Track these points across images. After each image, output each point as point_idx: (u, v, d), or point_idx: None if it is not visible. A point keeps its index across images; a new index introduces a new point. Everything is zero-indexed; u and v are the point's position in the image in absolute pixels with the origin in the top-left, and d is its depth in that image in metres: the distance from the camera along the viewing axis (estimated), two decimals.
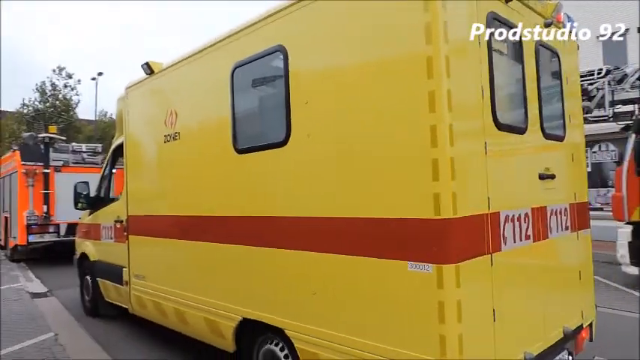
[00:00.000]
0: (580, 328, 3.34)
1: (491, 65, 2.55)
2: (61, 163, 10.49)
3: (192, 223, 4.02)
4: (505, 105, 2.79)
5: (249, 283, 3.36)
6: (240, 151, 3.47)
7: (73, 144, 11.33)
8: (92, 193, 6.07)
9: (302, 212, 2.91)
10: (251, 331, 3.37)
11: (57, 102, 37.05)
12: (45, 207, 10.15)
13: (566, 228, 3.31)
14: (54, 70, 37.81)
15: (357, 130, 2.58)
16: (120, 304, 5.35)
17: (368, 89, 2.53)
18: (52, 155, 10.43)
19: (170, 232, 4.30)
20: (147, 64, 4.58)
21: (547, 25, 3.21)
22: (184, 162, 4.17)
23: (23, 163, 10.25)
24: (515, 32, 2.84)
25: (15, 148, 11.07)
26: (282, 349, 3.12)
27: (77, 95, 38.84)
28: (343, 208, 2.63)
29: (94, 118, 37.73)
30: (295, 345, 2.98)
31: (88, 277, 6.12)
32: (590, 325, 3.53)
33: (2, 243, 11.84)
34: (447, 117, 2.18)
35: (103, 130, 43.66)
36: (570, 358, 3.11)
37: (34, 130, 32.22)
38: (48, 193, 10.17)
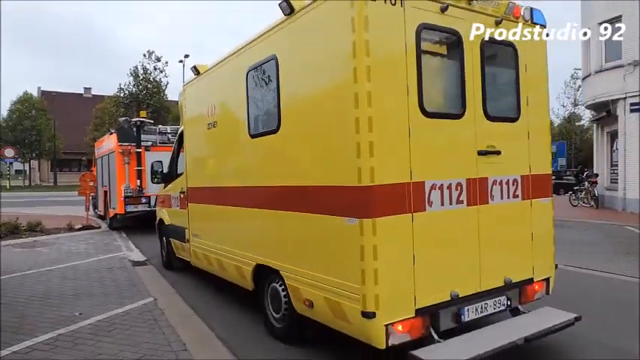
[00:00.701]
0: (529, 281, 3.98)
1: (420, 67, 3.27)
2: (150, 143, 12.41)
3: (222, 192, 5.24)
4: (435, 97, 3.50)
5: (259, 237, 4.46)
6: (252, 136, 4.54)
7: (160, 126, 13.17)
8: (165, 170, 7.68)
9: (286, 182, 3.93)
10: (262, 274, 4.50)
11: (148, 85, 41.06)
12: (138, 181, 12.17)
13: (516, 196, 3.93)
14: (144, 55, 41.86)
15: (316, 122, 3.49)
16: (185, 259, 6.85)
17: (321, 91, 3.43)
18: (143, 137, 12.36)
19: (211, 199, 5.58)
20: (194, 67, 5.83)
21: (497, 24, 3.79)
22: (218, 144, 5.38)
23: (120, 144, 12.23)
24: (449, 37, 3.51)
25: (112, 130, 13.22)
26: (280, 286, 4.21)
27: (166, 77, 42.76)
28: (310, 179, 3.59)
29: None
30: (286, 282, 4.04)
31: (164, 238, 7.75)
32: (547, 280, 4.15)
33: (102, 213, 14.16)
34: (367, 111, 3.00)
35: None
36: (509, 302, 3.80)
37: (129, 112, 36.09)
38: (140, 169, 12.14)
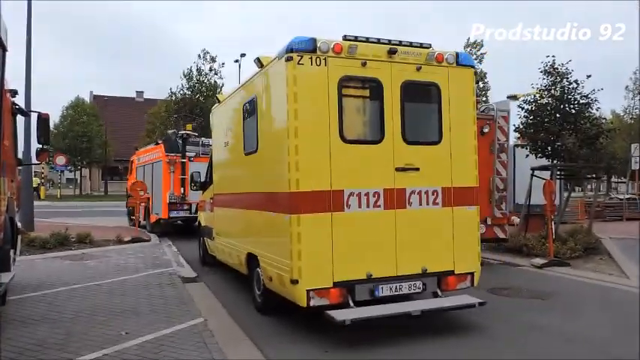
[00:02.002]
0: (450, 272, 6.15)
1: (340, 107, 5.68)
2: (194, 154, 15.90)
3: (228, 197, 8.03)
4: (356, 128, 5.91)
5: (248, 231, 7.13)
6: (245, 154, 7.23)
7: (203, 139, 16.64)
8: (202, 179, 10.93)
9: (260, 189, 6.55)
10: (251, 261, 7.12)
11: (202, 88, 45.72)
12: (182, 189, 15.69)
13: (436, 203, 6.14)
14: (199, 55, 46.12)
15: (273, 146, 6.06)
16: (212, 254, 9.84)
17: (275, 124, 6.00)
18: (187, 148, 15.87)
19: (224, 204, 8.44)
20: (216, 96, 8.81)
21: (418, 69, 6.09)
22: (229, 159, 8.22)
23: (167, 154, 15.84)
24: (371, 83, 5.89)
25: (159, 141, 16.97)
26: (259, 268, 6.79)
27: (221, 79, 46.85)
28: (270, 187, 6.15)
29: None
30: (260, 265, 6.62)
31: (201, 238, 10.96)
32: (472, 274, 6.27)
33: (141, 219, 17.56)
34: (294, 140, 5.48)
35: None
36: (424, 286, 5.99)
37: (180, 118, 40.48)
38: (184, 178, 15.60)
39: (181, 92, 44.61)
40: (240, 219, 7.68)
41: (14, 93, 7.46)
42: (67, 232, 13.39)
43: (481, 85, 36.03)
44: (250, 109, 7.07)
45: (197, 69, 44.49)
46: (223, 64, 48.57)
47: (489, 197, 10.57)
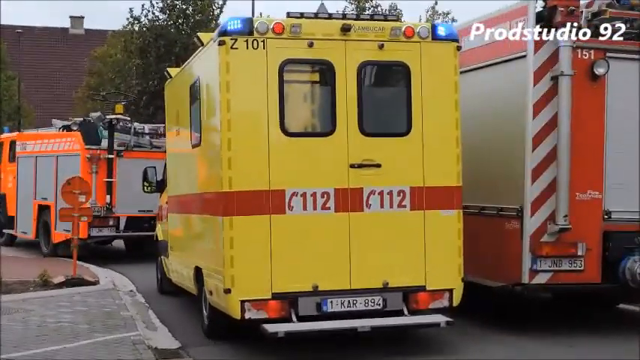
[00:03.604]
0: (420, 288, 10.26)
1: (282, 96, 9.88)
2: (123, 148, 20.40)
3: (178, 200, 12.86)
4: (301, 119, 10.18)
5: (194, 240, 11.66)
6: (192, 147, 11.73)
7: (136, 124, 21.39)
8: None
9: (199, 190, 11.01)
10: (199, 276, 11.55)
11: (188, 8, 49.93)
12: (108, 197, 20.13)
13: (402, 206, 10.27)
14: None
15: (210, 140, 10.45)
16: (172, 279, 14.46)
17: (213, 114, 10.41)
18: (116, 138, 20.42)
19: (176, 209, 13.48)
20: (166, 70, 13.58)
21: (380, 47, 10.22)
22: (178, 153, 13.15)
23: (88, 147, 20.28)
24: (320, 66, 10.09)
25: (73, 127, 21.58)
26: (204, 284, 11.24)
27: None
28: (205, 187, 10.58)
29: None
30: (204, 278, 11.06)
31: (158, 258, 15.66)
32: (451, 291, 10.38)
33: (31, 237, 22.04)
34: (227, 134, 9.74)
35: None
36: (383, 303, 10.10)
37: (147, 61, 45.00)
38: (111, 181, 20.07)
39: (149, 17, 48.37)
40: (188, 226, 12.17)
41: None
42: None
43: None
44: (194, 94, 11.50)
45: None
46: None
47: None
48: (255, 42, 9.87)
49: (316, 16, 10.25)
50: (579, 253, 11.30)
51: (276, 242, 9.93)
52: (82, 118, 22.70)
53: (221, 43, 9.81)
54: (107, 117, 21.45)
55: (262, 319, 9.85)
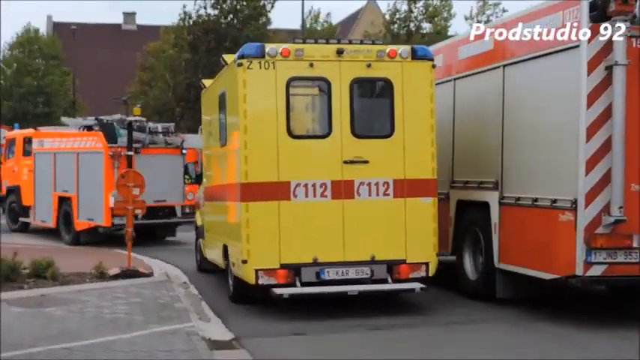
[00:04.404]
0: (401, 261, 13.30)
1: (288, 106, 13.00)
2: (140, 145, 24.07)
3: (212, 190, 16.39)
4: (303, 124, 13.34)
5: (223, 223, 14.93)
6: (220, 146, 15.02)
7: (150, 124, 25.08)
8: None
9: (227, 181, 14.24)
10: (226, 252, 14.79)
11: (238, 4, 51.53)
12: None
13: (386, 194, 13.31)
14: None
15: (232, 140, 13.65)
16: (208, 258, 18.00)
17: (235, 120, 13.59)
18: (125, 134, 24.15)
19: (210, 197, 17.22)
20: (202, 81, 17.15)
21: (368, 66, 13.29)
22: (211, 151, 16.87)
23: (110, 145, 23.91)
24: (319, 82, 13.21)
25: (95, 128, 25.46)
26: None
27: None
28: (231, 178, 13.79)
29: (299, 26, 52.38)
30: (229, 253, 14.30)
31: (197, 241, 19.34)
32: (427, 264, 13.40)
33: (52, 225, 25.88)
34: (244, 137, 12.90)
35: None
36: (371, 273, 13.14)
37: (198, 57, 48.17)
38: None
39: (201, 13, 51.66)
40: (218, 211, 15.39)
41: None
42: (16, 259, 15.82)
43: None
44: (222, 102, 14.67)
45: None
46: None
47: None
48: (266, 63, 12.95)
49: (316, 41, 13.38)
50: (635, 245, 11.67)
51: (283, 223, 12.97)
52: (102, 119, 26.62)
53: (240, 65, 12.92)
54: (127, 119, 25.50)
55: (272, 285, 12.91)
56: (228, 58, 13.96)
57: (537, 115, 13.13)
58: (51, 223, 27.16)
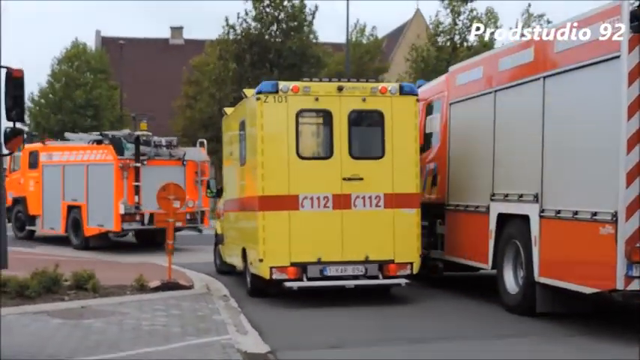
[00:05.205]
0: (390, 261, 16.87)
1: (297, 132, 16.64)
2: (146, 157, 28.07)
3: (232, 202, 20.05)
4: (310, 148, 17.06)
5: (242, 230, 18.67)
6: (240, 165, 18.77)
7: (155, 138, 29.04)
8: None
9: (244, 195, 18.00)
10: (244, 255, 18.53)
11: (281, 14, 53.84)
12: (136, 197, 27.66)
13: (378, 205, 16.91)
14: None
15: (251, 161, 17.41)
16: (225, 260, 21.98)
17: (252, 144, 17.33)
18: (132, 147, 28.15)
19: (230, 208, 20.88)
20: (224, 109, 21.89)
21: (363, 100, 16.93)
22: (232, 169, 20.80)
23: (120, 157, 27.73)
24: (323, 113, 16.87)
25: (105, 141, 29.27)
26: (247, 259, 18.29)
27: None
28: (249, 192, 17.52)
29: (344, 40, 54.01)
30: (247, 255, 18.03)
31: (216, 246, 23.35)
32: (411, 264, 16.97)
33: (60, 232, 30.30)
34: (260, 158, 16.58)
35: (359, 60, 61.43)
36: (365, 270, 16.69)
37: (243, 70, 51.37)
38: (138, 185, 27.65)
39: (244, 25, 54.06)
40: (238, 219, 19.12)
41: None
42: (58, 270, 16.84)
43: None
44: (242, 128, 18.38)
45: None
46: None
47: None
48: (280, 97, 16.57)
49: (320, 80, 17.12)
50: None
51: (293, 228, 16.54)
52: (108, 134, 31.06)
53: (258, 99, 16.58)
54: (135, 133, 29.87)
55: (284, 279, 16.49)
56: (248, 92, 17.80)
57: (577, 126, 13.30)
58: (60, 230, 31.40)
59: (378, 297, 17.71)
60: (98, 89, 62.95)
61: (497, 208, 16.22)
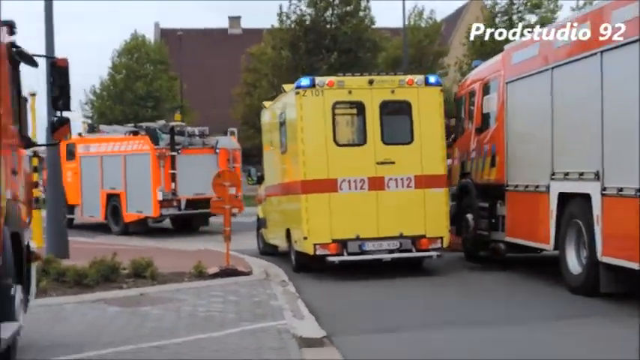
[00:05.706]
0: (422, 236, 19.23)
1: (334, 122, 19.07)
2: (180, 146, 30.68)
3: (274, 188, 23.15)
4: (346, 136, 19.52)
5: (285, 212, 21.36)
6: (281, 153, 21.41)
7: (188, 128, 31.83)
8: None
9: (288, 179, 20.56)
10: (288, 235, 21.13)
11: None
12: (172, 184, 30.23)
13: (409, 186, 19.27)
14: None
15: (293, 149, 19.89)
16: (269, 243, 24.88)
17: (293, 133, 19.80)
18: (166, 137, 30.75)
19: (272, 193, 23.97)
20: (263, 103, 24.39)
21: (392, 92, 19.30)
22: (273, 157, 23.94)
23: (156, 147, 30.37)
24: (357, 104, 19.29)
25: (141, 132, 31.85)
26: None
27: None
28: (294, 177, 20.05)
29: (401, 24, 54.42)
30: (291, 235, 20.61)
31: (258, 230, 26.20)
32: (441, 238, 19.33)
33: (101, 219, 33.45)
34: (301, 146, 19.04)
35: (418, 44, 61.50)
36: (399, 245, 19.04)
37: (299, 59, 53.07)
38: (174, 173, 30.29)
39: (297, 12, 55.63)
40: (281, 203, 21.78)
41: (10, 27, 9.61)
42: (116, 259, 17.45)
43: None
44: (282, 120, 20.91)
45: None
46: None
47: None
48: (317, 91, 18.95)
49: (353, 74, 19.52)
50: None
51: (333, 209, 18.89)
52: (142, 125, 34.10)
53: (297, 93, 19.02)
54: (170, 124, 32.67)
55: (326, 255, 18.89)
56: (287, 87, 20.44)
57: (637, 102, 12.88)
58: (99, 217, 33.99)
59: (428, 279, 19.23)
60: (158, 80, 65.24)
61: (557, 187, 16.09)
